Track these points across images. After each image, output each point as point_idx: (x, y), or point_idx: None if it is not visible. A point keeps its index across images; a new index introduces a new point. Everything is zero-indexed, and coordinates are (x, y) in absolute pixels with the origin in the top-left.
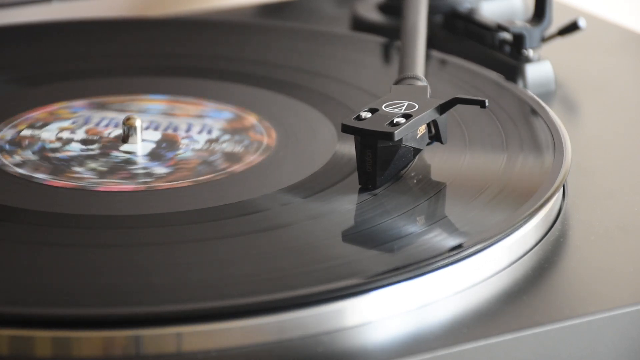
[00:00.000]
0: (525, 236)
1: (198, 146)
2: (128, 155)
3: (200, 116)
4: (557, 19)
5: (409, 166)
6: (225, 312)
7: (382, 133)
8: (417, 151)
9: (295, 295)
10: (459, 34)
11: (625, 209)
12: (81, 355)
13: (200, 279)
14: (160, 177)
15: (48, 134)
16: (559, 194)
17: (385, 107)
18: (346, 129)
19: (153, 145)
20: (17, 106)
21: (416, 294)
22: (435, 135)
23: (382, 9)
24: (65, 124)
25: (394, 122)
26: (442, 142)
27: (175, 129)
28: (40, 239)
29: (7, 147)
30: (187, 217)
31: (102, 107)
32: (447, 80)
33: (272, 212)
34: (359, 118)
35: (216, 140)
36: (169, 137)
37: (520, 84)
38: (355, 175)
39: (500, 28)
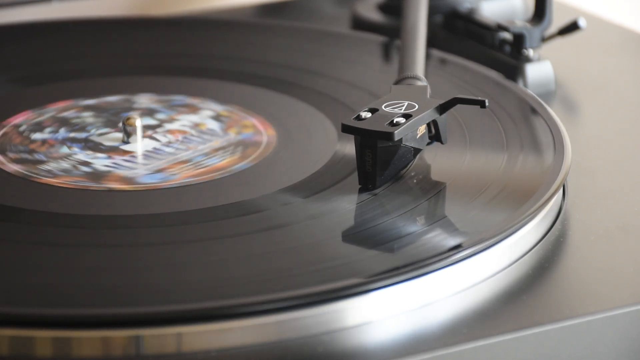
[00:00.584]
0: (525, 236)
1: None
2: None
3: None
4: (557, 19)
5: (409, 166)
6: (225, 312)
7: (382, 133)
8: (417, 151)
9: (295, 295)
10: (459, 34)
11: (625, 209)
12: (81, 355)
13: (200, 279)
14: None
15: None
16: (559, 194)
17: (385, 107)
18: (346, 128)
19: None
20: (16, 106)
21: (416, 294)
22: (435, 135)
23: (382, 8)
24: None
25: (394, 122)
26: (442, 142)
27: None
28: (40, 239)
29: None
30: (187, 217)
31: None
32: (447, 80)
33: (272, 212)
34: (359, 118)
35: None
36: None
37: (520, 83)
38: (355, 175)
39: (500, 28)
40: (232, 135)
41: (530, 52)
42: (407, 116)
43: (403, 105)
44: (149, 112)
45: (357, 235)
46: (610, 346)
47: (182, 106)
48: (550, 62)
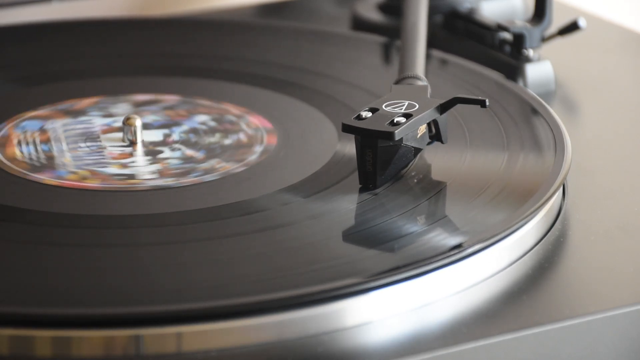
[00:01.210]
0: (525, 236)
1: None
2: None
3: (203, 117)
4: (557, 19)
5: (409, 166)
6: (225, 312)
7: (383, 132)
8: (417, 151)
9: (295, 295)
10: (459, 34)
11: (625, 209)
12: (81, 355)
13: (200, 279)
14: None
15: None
16: (559, 194)
17: (385, 106)
18: (346, 128)
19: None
20: (17, 106)
21: (416, 294)
22: (435, 134)
23: (382, 9)
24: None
25: (394, 121)
26: (442, 142)
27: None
28: (40, 239)
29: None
30: (187, 217)
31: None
32: (447, 80)
33: (272, 212)
34: (359, 118)
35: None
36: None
37: (520, 83)
38: (355, 175)
39: (500, 28)
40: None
41: (530, 52)
42: (407, 116)
43: (403, 105)
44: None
45: (357, 235)
46: (610, 346)
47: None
48: (550, 62)
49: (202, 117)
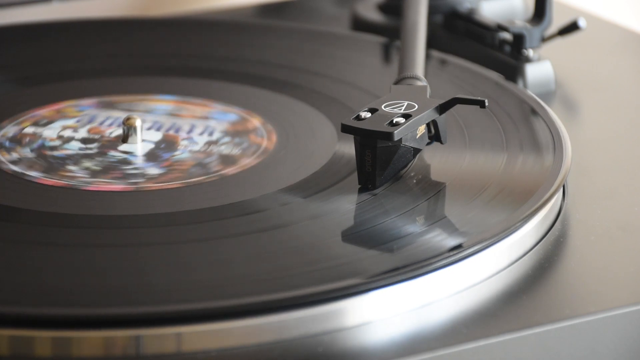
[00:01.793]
0: (525, 236)
1: (196, 148)
2: (125, 155)
3: (204, 117)
4: (557, 19)
5: (408, 166)
6: (225, 312)
7: (382, 133)
8: (416, 151)
9: (295, 295)
10: (459, 34)
11: (625, 209)
12: (81, 355)
13: (200, 279)
14: (151, 178)
15: (50, 132)
16: (559, 194)
17: (384, 107)
18: (346, 129)
19: (152, 146)
20: (17, 106)
21: (416, 294)
22: (434, 135)
23: (382, 9)
24: (70, 122)
25: (394, 122)
26: (441, 142)
27: (177, 130)
28: (39, 239)
29: (7, 144)
30: (187, 217)
31: (109, 106)
32: (447, 80)
33: (272, 212)
34: (358, 118)
35: (215, 142)
36: (169, 138)
37: (520, 83)
38: (355, 175)
39: (500, 28)
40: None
41: (530, 52)
42: (406, 116)
43: (403, 105)
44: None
45: (357, 235)
46: (610, 346)
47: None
48: (550, 62)
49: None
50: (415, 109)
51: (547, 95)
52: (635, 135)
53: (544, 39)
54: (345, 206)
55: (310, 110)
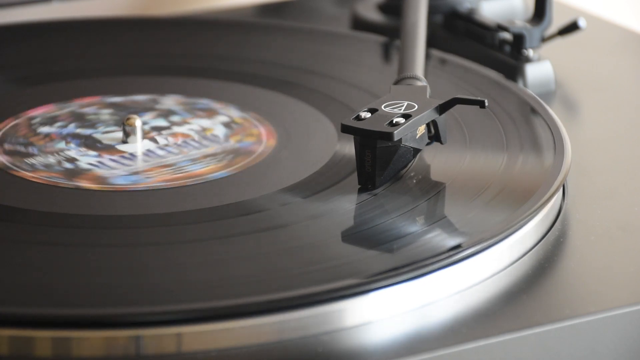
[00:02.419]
0: (525, 236)
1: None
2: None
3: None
4: (557, 19)
5: (408, 166)
6: (225, 312)
7: (382, 133)
8: (416, 151)
9: (295, 295)
10: (459, 34)
11: (625, 209)
12: (81, 355)
13: (200, 279)
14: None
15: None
16: (559, 194)
17: (384, 107)
18: (346, 129)
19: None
20: (17, 106)
21: (416, 294)
22: (434, 135)
23: (382, 8)
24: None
25: (394, 122)
26: (441, 142)
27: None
28: (40, 239)
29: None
30: (187, 217)
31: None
32: (446, 80)
33: (272, 212)
34: (358, 118)
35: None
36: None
37: (520, 83)
38: (355, 175)
39: (500, 28)
40: (231, 143)
41: (530, 52)
42: (406, 116)
43: (402, 105)
44: (154, 112)
45: (357, 235)
46: (610, 346)
47: (187, 107)
48: (550, 62)
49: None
50: (415, 109)
51: (547, 95)
52: (635, 135)
53: (544, 39)
54: (345, 206)
55: (310, 110)
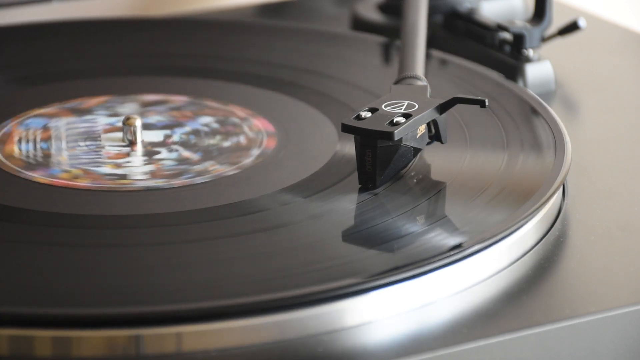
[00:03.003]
0: (525, 236)
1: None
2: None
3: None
4: (557, 19)
5: (409, 166)
6: (225, 312)
7: (382, 132)
8: (417, 151)
9: (295, 295)
10: (459, 34)
11: (625, 209)
12: (81, 355)
13: (200, 279)
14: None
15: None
16: (559, 194)
17: (385, 106)
18: (346, 128)
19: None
20: (17, 106)
21: (416, 294)
22: (435, 134)
23: (382, 8)
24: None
25: (394, 121)
26: (442, 142)
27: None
28: (40, 239)
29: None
30: (187, 217)
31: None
32: (447, 80)
33: (272, 212)
34: (358, 117)
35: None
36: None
37: (520, 83)
38: (355, 175)
39: (500, 28)
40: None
41: (530, 52)
42: (407, 116)
43: (403, 105)
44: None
45: (357, 235)
46: (610, 346)
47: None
48: (550, 62)
49: (206, 119)
50: (415, 108)
51: (547, 95)
52: (635, 135)
53: (544, 39)
54: (345, 206)
55: (310, 110)
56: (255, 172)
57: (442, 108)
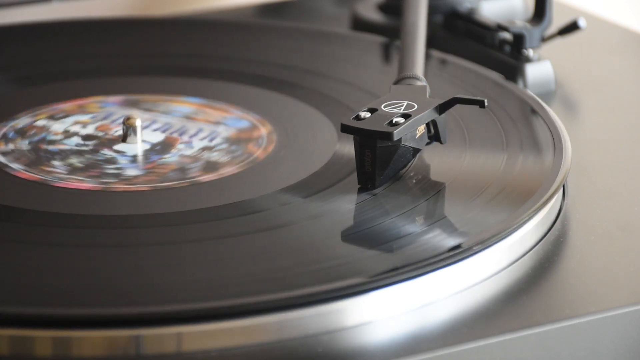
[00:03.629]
0: (525, 236)
1: (188, 152)
2: (115, 155)
3: (216, 122)
4: (557, 19)
5: (408, 166)
6: (225, 312)
7: (381, 133)
8: (416, 151)
9: (295, 295)
10: (459, 34)
11: (625, 209)
12: (81, 355)
13: (200, 279)
14: (125, 179)
15: (59, 126)
16: (559, 194)
17: (384, 106)
18: (345, 128)
19: (148, 147)
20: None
21: (416, 294)
22: (434, 135)
23: (382, 8)
24: (84, 117)
25: (393, 121)
26: (441, 142)
27: (181, 133)
28: (40, 239)
29: (11, 134)
30: (187, 217)
31: (106, 105)
32: (446, 80)
33: (272, 212)
34: (358, 118)
35: (211, 148)
36: (169, 141)
37: (520, 83)
38: (354, 175)
39: (500, 28)
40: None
41: (530, 52)
42: (406, 116)
43: (402, 105)
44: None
45: (357, 235)
46: (610, 346)
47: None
48: (550, 62)
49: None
50: (414, 108)
51: (547, 95)
52: (635, 135)
53: (544, 39)
54: (345, 206)
55: (310, 110)
56: (255, 172)
57: (442, 108)
